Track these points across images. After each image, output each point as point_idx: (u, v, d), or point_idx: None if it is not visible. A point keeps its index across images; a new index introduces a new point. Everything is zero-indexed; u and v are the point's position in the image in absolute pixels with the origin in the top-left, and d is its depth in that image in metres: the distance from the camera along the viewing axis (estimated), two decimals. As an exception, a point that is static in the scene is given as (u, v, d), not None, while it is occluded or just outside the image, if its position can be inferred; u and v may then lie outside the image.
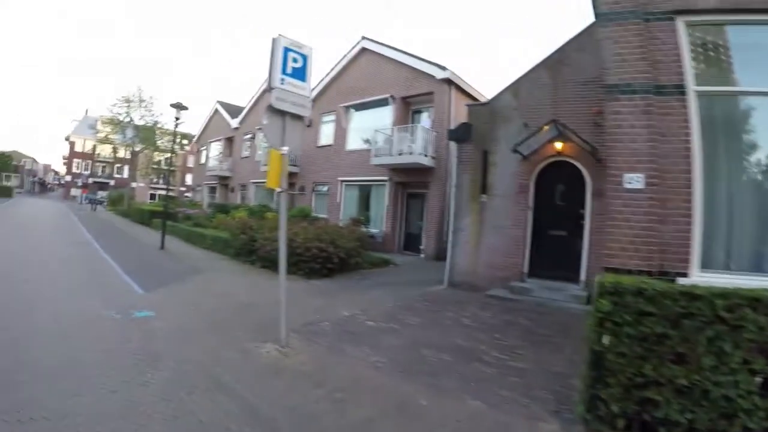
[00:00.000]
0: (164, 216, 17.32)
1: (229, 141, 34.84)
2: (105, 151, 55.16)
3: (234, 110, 34.77)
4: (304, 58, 6.30)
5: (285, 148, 6.32)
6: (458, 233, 11.95)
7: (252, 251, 13.75)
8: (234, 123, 33.16)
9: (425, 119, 20.07)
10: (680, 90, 5.20)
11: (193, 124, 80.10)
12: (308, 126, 24.67)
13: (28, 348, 5.42)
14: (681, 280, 4.63)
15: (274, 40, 5.92)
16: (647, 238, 5.12)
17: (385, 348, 6.36)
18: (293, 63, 6.17)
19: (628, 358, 3.75)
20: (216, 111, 37.16)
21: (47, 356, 5.18)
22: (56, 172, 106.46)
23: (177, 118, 16.14)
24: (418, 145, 17.94)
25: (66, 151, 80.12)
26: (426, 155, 18.12)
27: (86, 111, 73.70)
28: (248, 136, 31.58)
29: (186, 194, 61.35)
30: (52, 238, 17.34)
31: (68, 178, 78.11)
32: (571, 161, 10.62)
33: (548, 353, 6.34)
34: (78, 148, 76.51)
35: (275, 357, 5.83)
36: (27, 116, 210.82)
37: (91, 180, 73.27)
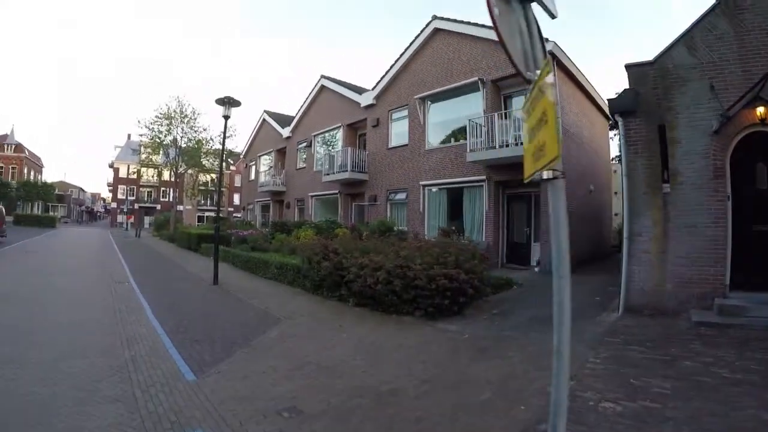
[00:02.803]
0: (216, 241, 13.39)
1: (281, 153, 31.02)
2: (149, 174, 51.96)
3: (283, 120, 31.07)
4: None
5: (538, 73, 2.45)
6: (635, 240, 8.70)
7: (339, 284, 9.86)
8: (285, 132, 29.38)
9: (518, 103, 16.16)
10: None
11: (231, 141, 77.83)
12: (375, 126, 20.99)
13: None
14: None
15: None
16: None
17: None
18: None
19: None
20: (263, 122, 33.43)
21: None
22: (104, 200, 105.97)
23: (226, 117, 12.34)
24: (529, 133, 13.82)
25: (111, 178, 78.79)
26: (539, 145, 14.02)
27: (128, 136, 71.36)
28: (303, 144, 27.69)
29: (235, 215, 58.32)
30: (80, 276, 13.66)
31: (114, 204, 76.46)
32: (773, 131, 7.83)
33: None
34: (122, 174, 74.84)
35: None
36: (75, 146, 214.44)
37: (136, 205, 71.21)
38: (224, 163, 45.64)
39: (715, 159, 8.12)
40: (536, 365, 5.68)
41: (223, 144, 13.43)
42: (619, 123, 9.02)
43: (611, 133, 25.40)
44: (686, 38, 8.54)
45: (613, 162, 26.74)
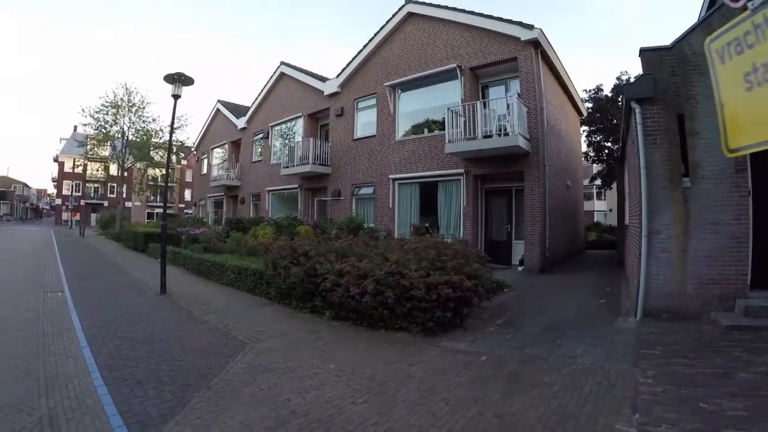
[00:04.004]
0: (163, 242, 11.24)
1: (235, 145, 28.73)
2: (95, 168, 47.42)
3: (238, 110, 28.80)
4: None
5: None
6: (653, 238, 7.79)
7: (312, 293, 8.16)
8: (240, 123, 27.15)
9: (496, 93, 15.02)
10: None
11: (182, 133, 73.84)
12: (339, 115, 19.26)
13: None
14: None
15: None
16: None
17: None
18: None
19: None
20: (217, 112, 30.99)
21: None
22: (51, 196, 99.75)
23: (176, 96, 10.35)
24: (514, 123, 12.53)
25: (56, 173, 73.07)
26: (524, 136, 12.82)
27: (74, 127, 65.34)
28: (259, 135, 25.54)
29: (186, 211, 55.13)
30: (5, 285, 11.25)
31: (59, 201, 71.05)
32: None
33: None
34: (68, 168, 68.44)
35: None
36: (20, 140, 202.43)
37: (82, 202, 66.69)
38: (175, 157, 42.70)
39: (736, 152, 7.25)
40: (583, 394, 4.56)
41: (172, 127, 11.16)
42: (636, 111, 7.95)
43: (582, 129, 24.76)
44: (705, 24, 7.64)
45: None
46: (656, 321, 7.42)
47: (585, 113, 22.79)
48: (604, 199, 46.26)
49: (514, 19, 13.86)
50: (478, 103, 13.55)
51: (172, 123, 10.97)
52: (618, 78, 25.17)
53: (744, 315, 6.94)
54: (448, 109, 13.85)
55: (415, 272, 6.85)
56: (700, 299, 7.49)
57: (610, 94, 25.28)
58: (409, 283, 6.67)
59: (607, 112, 24.74)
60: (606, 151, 26.30)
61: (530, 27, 13.42)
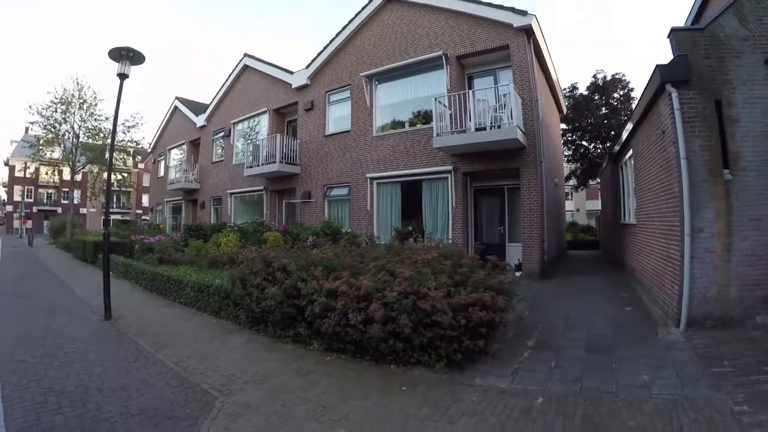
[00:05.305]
0: (106, 253, 8.77)
1: (194, 145, 26.18)
2: (45, 172, 42.54)
3: (197, 108, 26.32)
4: None
5: None
6: (696, 236, 6.85)
7: (294, 318, 6.42)
8: (200, 121, 24.67)
9: (483, 84, 13.59)
10: None
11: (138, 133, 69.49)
12: (309, 110, 17.43)
13: None
14: None
15: None
16: None
17: None
18: None
19: None
20: (175, 109, 28.26)
21: None
22: (4, 203, 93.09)
23: (123, 76, 8.21)
24: (512, 115, 11.07)
25: (6, 178, 67.47)
26: (521, 129, 11.39)
27: (26, 129, 59.82)
28: (220, 134, 23.18)
29: (144, 217, 51.84)
30: None
31: (10, 208, 65.78)
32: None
33: None
34: (19, 173, 63.52)
35: None
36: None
37: (34, 209, 62.28)
38: (131, 160, 39.65)
39: (777, 141, 6.77)
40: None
41: (117, 111, 9.00)
42: (672, 95, 7.01)
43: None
44: (736, 6, 7.10)
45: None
46: (702, 330, 6.52)
47: (565, 110, 21.61)
48: (572, 199, 45.71)
49: (505, 5, 12.48)
50: (469, 92, 12.01)
51: (117, 106, 8.81)
52: (594, 76, 24.30)
53: (797, 318, 6.24)
54: (435, 99, 12.24)
55: (434, 290, 5.21)
56: (743, 303, 6.70)
57: (585, 92, 24.32)
58: (431, 306, 5.02)
59: (584, 110, 23.72)
60: (582, 150, 25.33)
61: (524, 13, 12.09)
